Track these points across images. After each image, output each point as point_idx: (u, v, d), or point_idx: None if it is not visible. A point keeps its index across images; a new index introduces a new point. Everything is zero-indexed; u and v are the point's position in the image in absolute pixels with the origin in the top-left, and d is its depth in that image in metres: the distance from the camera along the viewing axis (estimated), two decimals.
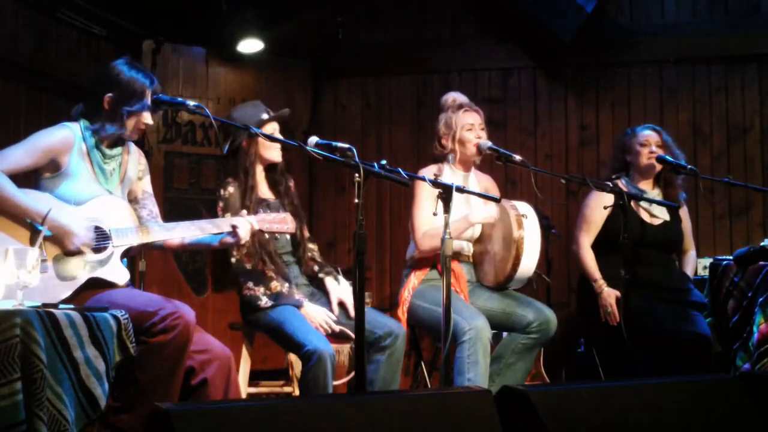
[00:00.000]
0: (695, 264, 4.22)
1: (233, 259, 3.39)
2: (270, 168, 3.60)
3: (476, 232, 3.78)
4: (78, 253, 2.85)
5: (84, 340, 2.46)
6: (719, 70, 5.45)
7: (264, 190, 3.58)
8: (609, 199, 3.95)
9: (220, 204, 3.46)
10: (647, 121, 5.49)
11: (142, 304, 2.81)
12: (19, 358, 2.25)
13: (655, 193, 4.05)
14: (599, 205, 3.95)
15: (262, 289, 3.38)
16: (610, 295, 3.84)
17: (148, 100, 3.00)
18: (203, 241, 3.14)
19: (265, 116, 3.52)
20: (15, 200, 2.78)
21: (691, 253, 4.20)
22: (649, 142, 4.04)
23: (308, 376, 3.15)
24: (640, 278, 3.74)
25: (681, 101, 5.50)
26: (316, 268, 3.61)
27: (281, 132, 3.57)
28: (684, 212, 4.15)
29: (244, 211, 3.13)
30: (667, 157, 3.95)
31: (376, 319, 3.37)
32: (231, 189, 3.47)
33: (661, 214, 4.03)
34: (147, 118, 3.02)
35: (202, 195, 5.51)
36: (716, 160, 5.40)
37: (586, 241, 4.00)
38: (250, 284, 3.38)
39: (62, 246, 2.82)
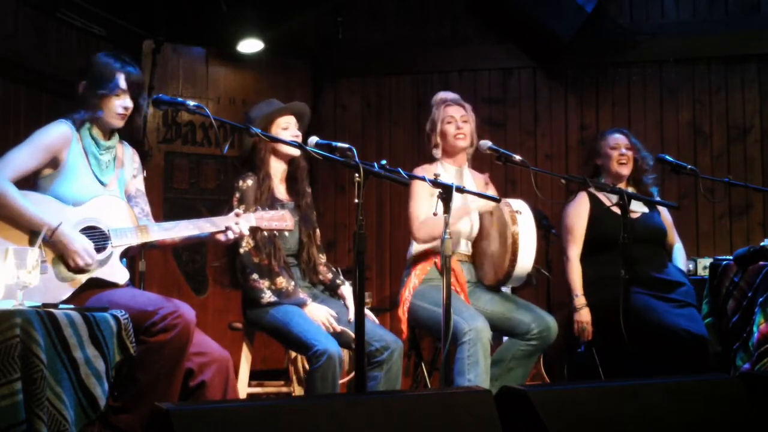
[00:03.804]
0: (684, 256, 4.26)
1: (242, 250, 3.39)
2: (291, 166, 3.61)
3: (474, 230, 3.78)
4: (80, 271, 2.85)
5: (84, 340, 2.46)
6: (719, 70, 5.45)
7: (281, 190, 3.59)
8: (585, 205, 4.06)
9: (237, 195, 3.46)
10: (647, 121, 5.52)
11: (142, 303, 2.82)
12: (19, 358, 2.25)
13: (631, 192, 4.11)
14: (579, 214, 4.07)
15: (267, 283, 3.38)
16: (586, 314, 3.93)
17: (120, 82, 3.00)
18: (195, 236, 3.13)
19: (277, 105, 3.58)
20: (26, 213, 2.79)
21: (677, 245, 4.26)
22: (619, 145, 4.12)
23: (316, 376, 3.15)
24: (635, 275, 3.75)
25: (681, 101, 5.50)
26: (330, 275, 3.64)
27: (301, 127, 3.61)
28: (662, 207, 4.21)
29: (240, 210, 3.13)
30: (667, 156, 3.96)
31: (374, 330, 3.36)
32: (249, 182, 3.47)
33: (638, 208, 4.07)
34: (123, 100, 3.02)
35: (202, 195, 5.51)
36: (716, 160, 5.40)
37: (574, 253, 4.06)
38: (255, 276, 3.38)
39: (65, 262, 2.83)
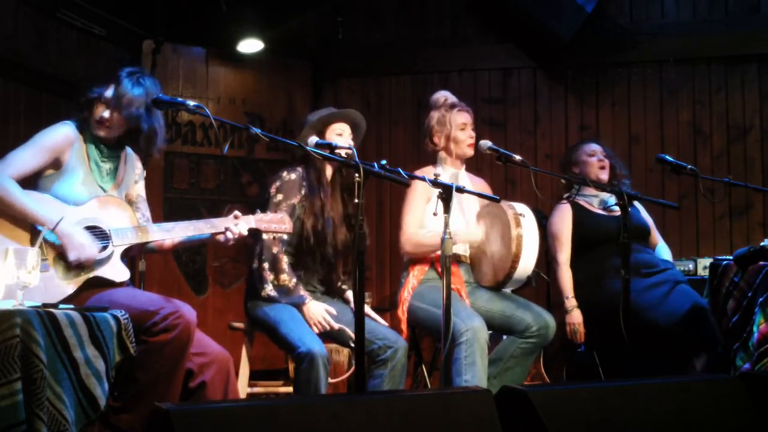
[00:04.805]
0: (669, 253, 4.33)
1: (265, 236, 3.40)
2: (340, 175, 3.61)
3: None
4: (80, 266, 2.85)
5: (84, 340, 2.46)
6: (719, 70, 5.45)
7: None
8: (568, 212, 4.16)
9: (277, 183, 3.49)
10: (647, 121, 5.52)
11: (143, 303, 2.82)
12: (19, 358, 2.25)
13: (607, 197, 4.20)
14: (563, 221, 4.17)
15: (271, 277, 3.40)
16: (578, 316, 4.00)
17: (106, 91, 3.00)
18: (195, 238, 3.14)
19: (332, 110, 3.63)
20: (29, 209, 2.80)
21: (660, 244, 4.34)
22: (595, 152, 4.26)
23: (301, 377, 3.18)
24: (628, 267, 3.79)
25: (681, 101, 5.50)
26: (344, 286, 3.68)
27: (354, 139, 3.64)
28: (640, 206, 4.31)
29: (238, 212, 3.14)
30: (667, 156, 3.97)
31: (377, 329, 3.38)
32: (293, 176, 3.50)
33: (615, 207, 4.11)
34: (103, 111, 3.00)
35: (202, 195, 5.51)
36: (716, 160, 5.40)
37: (563, 258, 4.14)
38: (266, 266, 3.41)
39: (66, 257, 2.83)
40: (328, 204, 3.56)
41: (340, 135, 3.56)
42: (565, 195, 4.23)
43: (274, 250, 3.41)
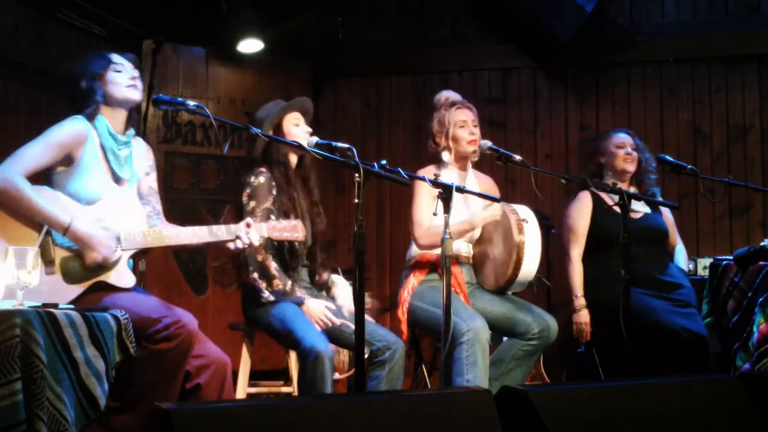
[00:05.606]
0: (686, 257, 4.28)
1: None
2: (302, 163, 3.61)
3: (476, 233, 3.78)
4: (99, 265, 2.84)
5: (84, 340, 2.46)
6: (719, 70, 5.46)
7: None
8: (588, 204, 4.08)
9: (247, 191, 3.46)
10: (647, 121, 5.52)
11: (146, 310, 2.80)
12: (19, 358, 2.25)
13: (632, 191, 4.12)
14: (581, 213, 4.08)
15: (265, 284, 3.39)
16: (585, 315, 3.94)
17: (113, 57, 3.06)
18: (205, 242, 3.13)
19: (283, 104, 3.60)
20: (38, 208, 2.77)
21: (679, 246, 4.28)
22: (624, 144, 4.15)
23: (307, 374, 3.16)
24: (636, 275, 3.77)
25: (681, 101, 5.50)
26: (326, 275, 3.64)
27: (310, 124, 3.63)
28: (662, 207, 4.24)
29: (249, 219, 3.12)
30: (667, 156, 3.97)
31: (376, 330, 3.37)
32: (261, 179, 3.47)
33: (641, 208, 4.08)
34: (127, 71, 3.04)
35: (202, 195, 5.51)
36: (716, 160, 5.40)
37: (576, 253, 4.06)
38: (256, 275, 3.39)
39: (85, 258, 2.82)
40: (299, 198, 3.54)
41: (296, 125, 3.57)
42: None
43: (259, 258, 3.39)
